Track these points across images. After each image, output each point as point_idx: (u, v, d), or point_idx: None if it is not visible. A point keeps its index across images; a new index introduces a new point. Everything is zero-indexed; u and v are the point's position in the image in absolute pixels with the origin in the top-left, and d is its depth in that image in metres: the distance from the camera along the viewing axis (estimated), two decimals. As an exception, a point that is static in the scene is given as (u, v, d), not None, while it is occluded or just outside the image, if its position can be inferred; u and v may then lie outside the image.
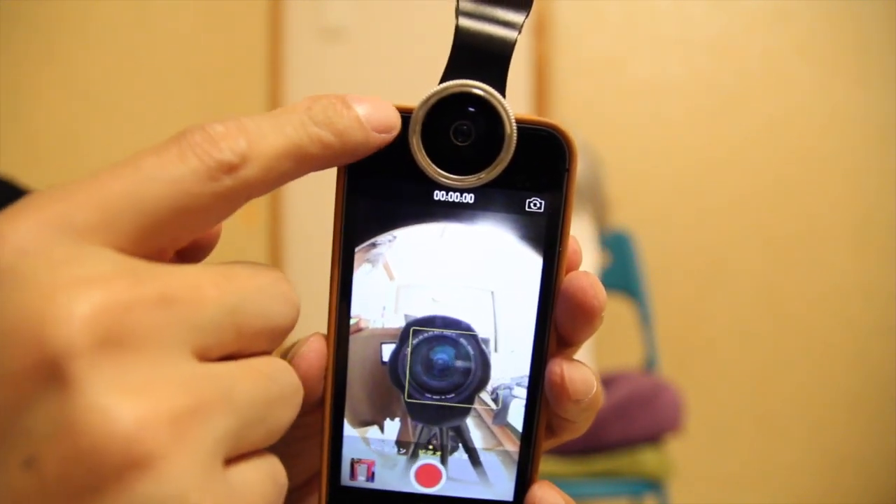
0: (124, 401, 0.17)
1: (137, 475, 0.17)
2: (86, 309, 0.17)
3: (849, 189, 1.83)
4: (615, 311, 1.74)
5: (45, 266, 0.18)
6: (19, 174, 0.48)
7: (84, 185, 0.20)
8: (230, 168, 0.21)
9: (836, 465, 1.83)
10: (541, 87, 1.88)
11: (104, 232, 0.19)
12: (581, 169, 1.61)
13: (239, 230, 1.88)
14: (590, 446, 1.31)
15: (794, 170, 1.85)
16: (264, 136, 0.22)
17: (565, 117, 1.83)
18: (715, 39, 1.88)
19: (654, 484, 1.34)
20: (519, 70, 1.83)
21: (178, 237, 0.22)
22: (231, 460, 0.20)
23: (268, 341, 0.22)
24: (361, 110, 0.24)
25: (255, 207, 1.92)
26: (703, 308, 1.88)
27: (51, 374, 0.17)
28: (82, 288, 0.18)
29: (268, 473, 0.21)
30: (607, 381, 1.49)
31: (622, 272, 1.64)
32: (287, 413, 0.22)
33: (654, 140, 1.90)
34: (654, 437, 1.34)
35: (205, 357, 0.20)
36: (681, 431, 1.36)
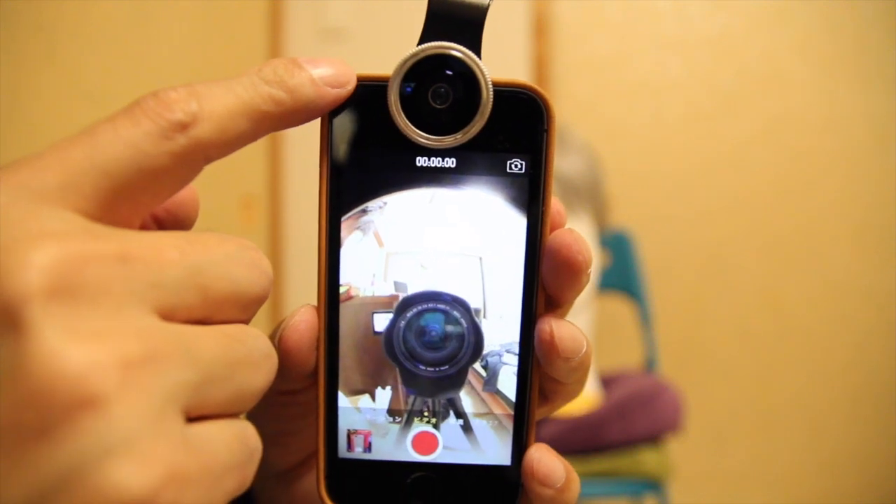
0: (75, 345, 0.17)
1: (85, 415, 0.17)
2: (41, 258, 0.18)
3: (849, 189, 1.83)
4: (615, 311, 1.74)
5: (2, 224, 0.18)
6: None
7: (43, 154, 0.20)
8: (182, 126, 0.21)
9: (836, 465, 1.83)
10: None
11: (64, 194, 0.20)
12: (581, 169, 1.60)
13: (239, 230, 1.88)
14: (590, 446, 1.31)
15: (794, 170, 1.85)
16: (215, 97, 0.22)
17: (565, 117, 1.83)
18: (715, 39, 1.88)
19: (654, 484, 1.34)
20: (519, 70, 1.83)
21: (141, 202, 0.22)
22: (196, 418, 0.20)
23: (238, 309, 0.22)
24: (314, 70, 0.24)
25: (256, 207, 1.92)
26: (703, 308, 1.88)
27: (4, 321, 0.17)
28: (39, 241, 0.18)
29: (235, 434, 0.21)
30: (607, 381, 1.49)
31: (622, 272, 1.64)
32: (257, 378, 0.22)
33: (654, 140, 1.90)
34: (654, 437, 1.34)
35: (169, 318, 0.20)
36: (681, 431, 1.36)
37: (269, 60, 0.24)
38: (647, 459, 1.32)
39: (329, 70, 0.25)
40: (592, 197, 1.49)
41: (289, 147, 2.00)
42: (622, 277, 1.64)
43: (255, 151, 1.93)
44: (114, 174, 0.20)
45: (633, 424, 1.31)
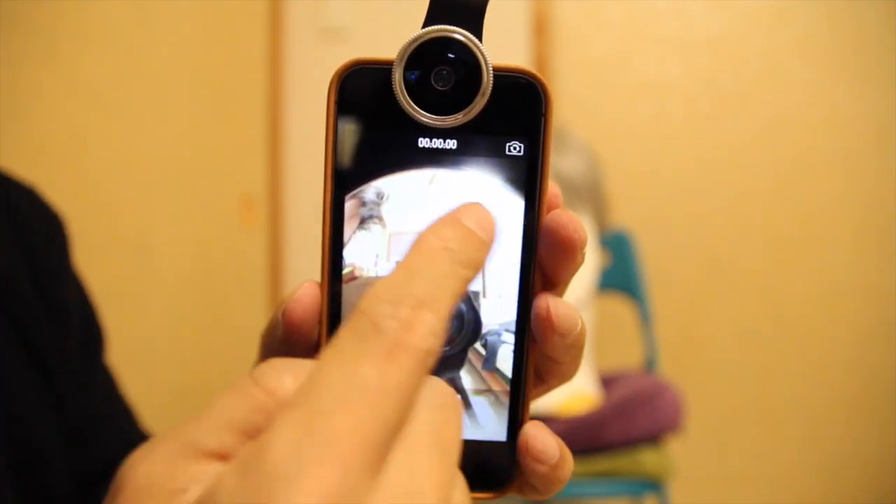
0: None
1: None
2: None
3: (849, 189, 1.83)
4: (615, 311, 1.74)
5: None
6: (20, 174, 0.48)
7: (339, 429, 0.18)
8: (433, 351, 0.20)
9: (836, 465, 1.84)
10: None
11: (369, 467, 0.19)
12: (581, 169, 1.60)
13: (239, 230, 1.88)
14: (590, 446, 1.31)
15: (794, 169, 1.85)
16: (439, 301, 0.21)
17: (565, 117, 1.83)
18: (715, 39, 1.88)
19: (654, 484, 1.34)
20: (519, 70, 1.83)
21: None
22: None
23: None
24: (472, 224, 0.23)
25: (256, 207, 1.92)
26: (703, 308, 1.88)
27: None
28: None
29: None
30: (607, 381, 1.49)
31: (622, 272, 1.64)
32: None
33: (654, 140, 1.90)
34: (654, 437, 1.34)
35: None
36: (681, 431, 1.36)
37: (442, 229, 0.22)
38: (647, 459, 1.32)
39: (481, 220, 0.23)
40: (592, 197, 1.49)
41: (289, 147, 2.00)
42: (622, 277, 1.64)
43: (255, 151, 1.93)
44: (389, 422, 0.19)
45: (633, 424, 1.31)
